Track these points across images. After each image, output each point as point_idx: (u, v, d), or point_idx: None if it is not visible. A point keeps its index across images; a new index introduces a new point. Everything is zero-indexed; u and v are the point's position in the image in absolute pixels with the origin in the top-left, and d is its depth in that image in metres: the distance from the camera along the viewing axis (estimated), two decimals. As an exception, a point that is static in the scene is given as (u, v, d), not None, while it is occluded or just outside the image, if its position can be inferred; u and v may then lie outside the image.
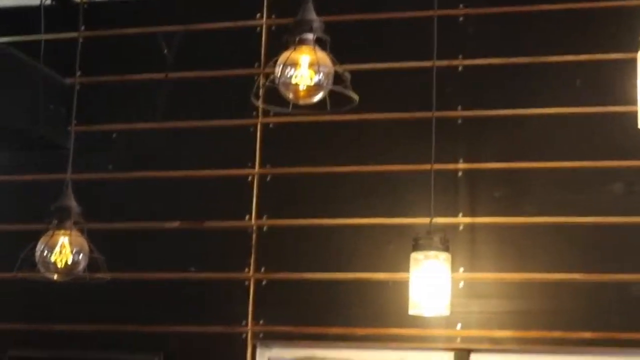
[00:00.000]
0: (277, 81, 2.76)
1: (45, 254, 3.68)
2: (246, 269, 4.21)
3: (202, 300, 4.25)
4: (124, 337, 4.29)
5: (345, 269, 4.12)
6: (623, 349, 3.86)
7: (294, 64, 2.75)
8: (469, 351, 3.98)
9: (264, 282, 4.20)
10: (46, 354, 4.37)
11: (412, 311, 3.74)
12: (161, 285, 4.31)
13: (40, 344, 4.38)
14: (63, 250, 3.69)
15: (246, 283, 4.21)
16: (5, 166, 4.59)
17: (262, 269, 4.20)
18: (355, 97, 2.82)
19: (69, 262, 3.70)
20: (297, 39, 2.76)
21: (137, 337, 4.27)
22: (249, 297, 4.19)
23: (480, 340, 3.97)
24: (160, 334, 4.25)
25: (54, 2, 4.49)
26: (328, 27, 2.79)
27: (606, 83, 3.98)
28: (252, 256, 4.22)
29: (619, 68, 3.85)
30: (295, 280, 4.17)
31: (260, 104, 3.41)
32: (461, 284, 3.97)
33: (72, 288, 4.03)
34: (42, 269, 3.69)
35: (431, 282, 3.68)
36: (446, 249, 3.71)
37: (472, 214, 4.05)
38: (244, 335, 4.16)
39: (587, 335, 3.87)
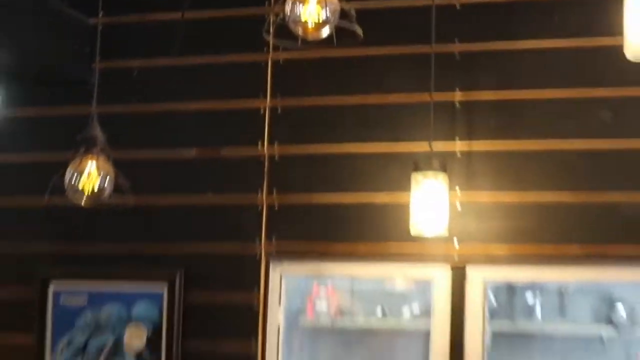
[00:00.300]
0: (286, 18, 2.75)
1: (73, 181, 3.70)
2: (259, 193, 4.24)
3: (219, 222, 4.29)
4: (148, 255, 4.35)
5: (350, 191, 4.15)
6: (609, 261, 3.91)
7: (303, 1, 2.74)
8: (465, 265, 4.02)
9: (275, 205, 4.23)
10: (75, 272, 4.43)
11: (413, 230, 3.77)
12: (181, 208, 4.35)
13: (69, 263, 4.44)
14: (90, 176, 3.72)
15: (259, 206, 4.24)
16: (35, 101, 4.60)
17: (274, 193, 4.23)
18: (361, 32, 2.82)
19: (96, 188, 3.72)
20: (305, -23, 2.74)
21: (159, 255, 4.33)
22: (262, 219, 4.23)
23: (476, 255, 4.01)
24: (180, 253, 4.31)
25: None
26: (334, -34, 2.77)
27: (596, 17, 3.93)
28: (265, 181, 4.25)
29: (608, 3, 3.81)
30: (305, 202, 4.21)
31: (271, 39, 3.40)
32: (459, 205, 3.98)
33: (99, 211, 4.07)
34: (70, 195, 3.72)
35: (430, 201, 3.71)
36: (443, 169, 3.74)
37: (469, 141, 4.06)
38: (257, 253, 4.21)
39: (576, 249, 3.91)
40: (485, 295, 4.07)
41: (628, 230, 3.88)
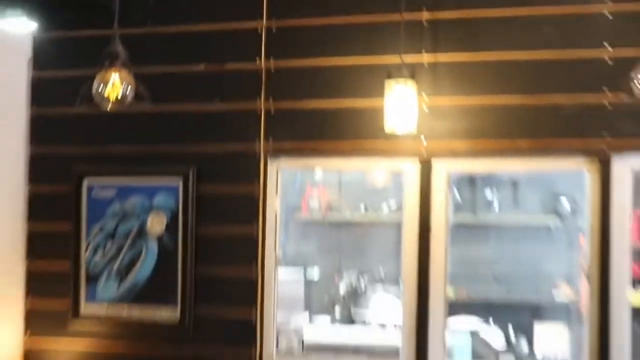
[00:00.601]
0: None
1: (100, 89, 3.70)
2: (258, 101, 4.23)
3: (225, 125, 4.29)
4: (165, 154, 4.36)
5: (334, 98, 4.15)
6: (551, 153, 3.95)
7: None
8: (431, 159, 4.05)
9: (272, 110, 4.22)
10: (103, 169, 4.44)
11: (387, 129, 3.80)
12: (193, 115, 4.33)
13: (100, 162, 4.45)
14: (114, 85, 3.71)
15: (258, 111, 4.23)
16: (67, 25, 4.54)
17: (270, 100, 4.22)
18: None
19: (120, 95, 3.72)
20: None
21: (175, 155, 4.33)
22: (260, 122, 4.23)
23: (441, 150, 4.03)
24: (193, 152, 4.31)
25: None
26: None
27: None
28: (262, 90, 4.23)
29: None
30: (296, 108, 4.20)
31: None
32: (426, 108, 4.00)
33: (123, 117, 4.10)
34: (98, 101, 3.72)
35: (402, 103, 3.74)
36: (412, 77, 3.76)
37: (435, 53, 4.05)
38: (257, 151, 4.22)
39: (525, 144, 3.95)
40: (449, 184, 4.10)
41: (568, 127, 3.91)
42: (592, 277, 3.91)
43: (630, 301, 3.88)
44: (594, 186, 3.90)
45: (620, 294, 3.86)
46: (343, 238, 6.31)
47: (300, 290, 5.70)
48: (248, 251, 4.19)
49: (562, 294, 5.71)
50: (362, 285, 6.05)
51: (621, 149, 3.83)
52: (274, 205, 4.24)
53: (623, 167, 3.84)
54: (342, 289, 6.09)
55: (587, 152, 3.88)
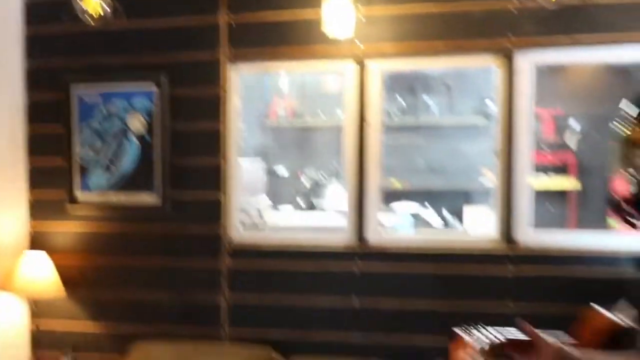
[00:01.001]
0: None
1: (79, 6, 3.77)
2: (219, 14, 4.29)
3: (192, 37, 4.34)
4: (142, 64, 4.41)
5: (285, 9, 4.22)
6: (465, 51, 4.07)
7: None
8: (364, 60, 4.17)
9: (233, 23, 4.28)
10: (90, 77, 4.49)
11: (329, 34, 3.90)
12: (163, 29, 4.38)
13: (85, 72, 4.50)
14: (92, 2, 3.78)
15: (220, 24, 4.29)
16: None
17: (230, 14, 4.28)
18: None
19: (99, 11, 3.78)
20: None
21: (150, 64, 4.40)
22: (222, 33, 4.30)
23: (374, 52, 4.16)
24: (165, 60, 4.38)
25: None
26: None
27: None
28: (224, 6, 4.29)
29: None
30: (254, 21, 4.26)
31: None
32: (362, 18, 4.10)
33: (104, 33, 4.19)
34: (80, 15, 3.79)
35: (340, 13, 3.85)
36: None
37: (368, -30, 4.13)
38: (219, 58, 4.31)
39: (443, 45, 4.08)
40: (383, 81, 4.21)
41: (479, 30, 4.04)
42: (501, 162, 4.07)
43: (530, 182, 4.04)
44: (502, 79, 4.05)
45: (522, 176, 4.02)
46: (305, 140, 6.48)
47: (263, 177, 5.91)
48: (214, 143, 4.33)
49: (487, 180, 5.92)
50: (321, 179, 6.25)
51: (523, 46, 3.97)
52: (236, 104, 4.36)
53: (525, 61, 3.99)
54: (306, 182, 6.29)
55: (494, 50, 4.02)
